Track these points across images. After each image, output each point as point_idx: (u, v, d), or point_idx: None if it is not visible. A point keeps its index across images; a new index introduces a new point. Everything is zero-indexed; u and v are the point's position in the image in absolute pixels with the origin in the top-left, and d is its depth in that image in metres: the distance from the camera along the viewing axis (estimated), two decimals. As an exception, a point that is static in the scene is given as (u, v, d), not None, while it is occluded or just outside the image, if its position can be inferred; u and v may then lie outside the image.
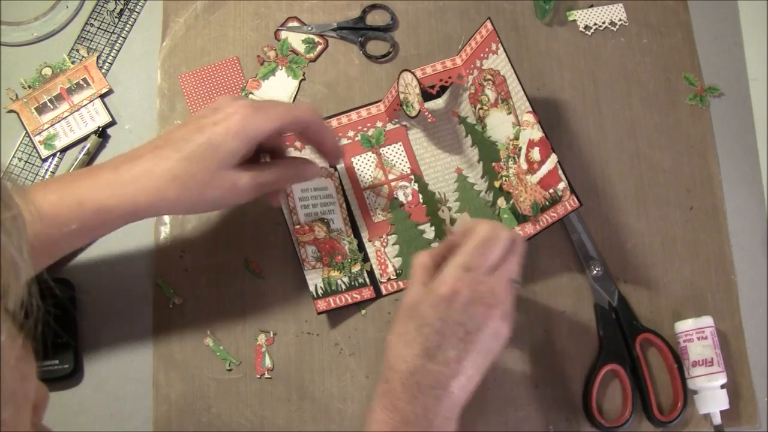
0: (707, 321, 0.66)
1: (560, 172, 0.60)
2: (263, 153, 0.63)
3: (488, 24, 0.66)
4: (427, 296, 0.53)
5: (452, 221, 0.68)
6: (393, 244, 0.69)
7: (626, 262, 0.69)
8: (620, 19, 0.75)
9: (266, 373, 0.66)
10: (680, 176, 0.72)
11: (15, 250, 0.30)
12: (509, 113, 0.65)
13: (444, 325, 0.52)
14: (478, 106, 0.69)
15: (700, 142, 0.73)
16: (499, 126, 0.67)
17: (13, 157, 0.71)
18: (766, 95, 0.75)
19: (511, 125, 0.65)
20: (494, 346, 0.54)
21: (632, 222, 0.71)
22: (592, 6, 0.76)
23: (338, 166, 0.70)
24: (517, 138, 0.65)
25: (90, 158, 0.71)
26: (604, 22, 0.75)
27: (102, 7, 0.75)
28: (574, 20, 0.75)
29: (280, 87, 0.73)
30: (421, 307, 0.53)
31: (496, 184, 0.67)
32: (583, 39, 0.75)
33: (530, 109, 0.63)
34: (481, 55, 0.67)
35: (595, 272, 0.68)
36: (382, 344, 0.67)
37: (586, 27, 0.75)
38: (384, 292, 0.68)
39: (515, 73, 0.64)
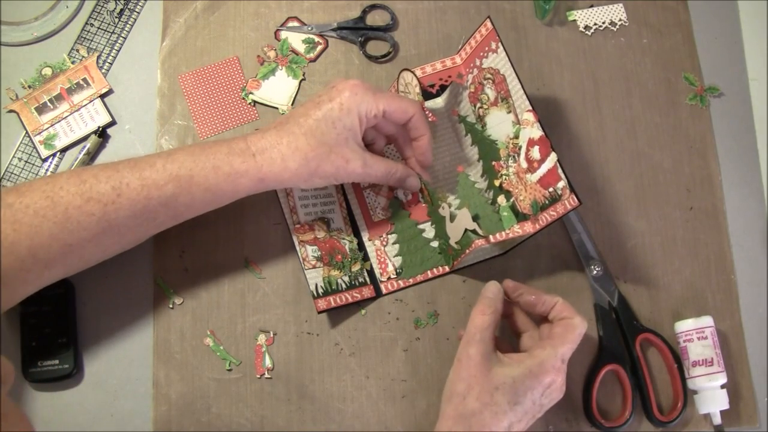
0: (707, 321, 0.66)
1: (560, 170, 0.60)
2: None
3: (488, 23, 0.66)
4: (527, 378, 0.57)
5: (452, 217, 0.68)
6: (393, 243, 0.69)
7: (626, 262, 0.70)
8: (620, 19, 0.75)
9: (266, 373, 0.66)
10: (680, 176, 0.72)
11: None
12: (509, 112, 0.66)
13: (533, 407, 0.57)
14: (478, 105, 0.69)
15: (700, 142, 0.73)
16: (499, 125, 0.67)
17: (13, 157, 0.71)
18: (766, 95, 0.75)
19: (511, 124, 0.65)
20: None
21: (632, 222, 0.71)
22: (592, 6, 0.76)
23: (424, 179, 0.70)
24: (517, 137, 0.65)
25: (90, 158, 0.71)
26: (604, 22, 0.75)
27: (102, 7, 0.75)
28: (574, 20, 0.75)
29: (280, 87, 0.73)
30: (519, 386, 0.56)
31: (496, 182, 0.67)
32: (583, 39, 0.75)
33: (530, 107, 0.63)
34: (481, 54, 0.67)
35: (595, 272, 0.68)
36: (382, 344, 0.67)
37: (586, 27, 0.75)
38: (384, 291, 0.68)
39: (515, 71, 0.64)
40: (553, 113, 0.73)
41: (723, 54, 0.76)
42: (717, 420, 0.65)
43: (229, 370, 0.66)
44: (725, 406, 0.64)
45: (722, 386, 0.65)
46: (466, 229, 0.66)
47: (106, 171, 0.58)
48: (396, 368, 0.67)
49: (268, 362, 0.66)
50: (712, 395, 0.64)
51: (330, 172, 0.61)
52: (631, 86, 0.74)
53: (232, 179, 0.59)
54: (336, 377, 0.66)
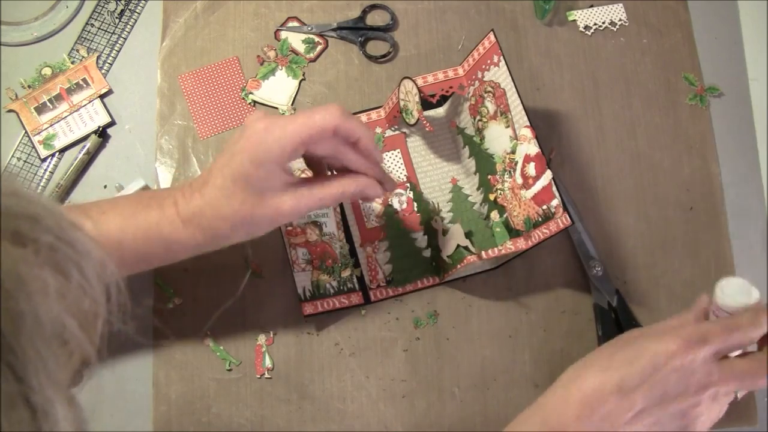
0: (707, 321, 0.66)
1: (554, 188, 0.60)
2: (327, 163, 0.60)
3: (491, 36, 0.65)
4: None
5: (444, 232, 0.68)
6: (384, 251, 0.69)
7: (626, 262, 0.70)
8: (620, 19, 0.75)
9: (266, 373, 0.66)
10: (680, 176, 0.72)
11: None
12: (507, 126, 0.65)
13: (653, 380, 0.51)
14: (478, 117, 0.68)
15: (700, 142, 0.73)
16: (497, 139, 0.66)
17: (12, 156, 0.71)
18: (766, 95, 0.75)
19: (509, 139, 0.65)
20: (684, 422, 0.52)
21: (632, 222, 0.71)
22: (592, 6, 0.76)
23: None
24: (513, 152, 0.64)
25: (90, 158, 0.71)
26: (604, 22, 0.75)
27: (102, 7, 0.75)
28: (574, 20, 0.75)
29: (280, 87, 0.73)
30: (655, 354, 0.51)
31: (491, 197, 0.67)
32: (583, 39, 0.75)
33: (528, 123, 0.62)
34: (483, 66, 0.67)
35: (595, 272, 0.68)
36: (382, 344, 0.67)
37: (586, 27, 0.75)
38: (373, 298, 0.67)
39: (515, 86, 0.63)
40: (553, 114, 0.73)
41: (723, 54, 0.76)
42: (717, 420, 0.65)
43: (229, 370, 0.66)
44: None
45: (722, 386, 0.65)
46: (458, 245, 0.66)
47: None
48: (396, 368, 0.67)
49: (268, 362, 0.66)
50: (712, 395, 0.64)
51: (265, 222, 0.55)
52: (631, 86, 0.74)
53: (166, 244, 0.56)
54: (336, 377, 0.66)
